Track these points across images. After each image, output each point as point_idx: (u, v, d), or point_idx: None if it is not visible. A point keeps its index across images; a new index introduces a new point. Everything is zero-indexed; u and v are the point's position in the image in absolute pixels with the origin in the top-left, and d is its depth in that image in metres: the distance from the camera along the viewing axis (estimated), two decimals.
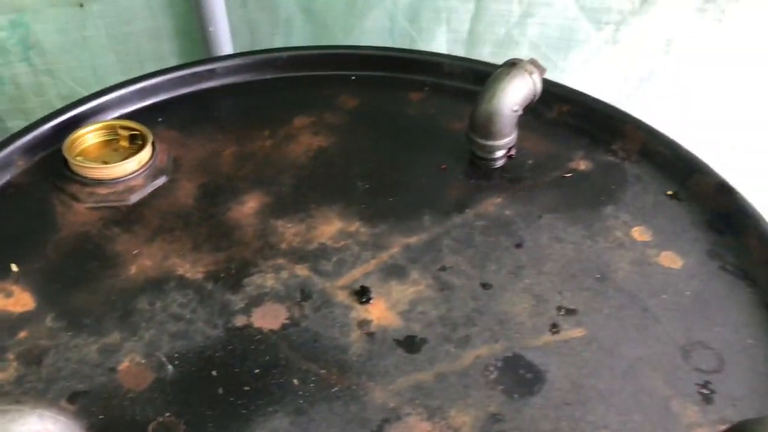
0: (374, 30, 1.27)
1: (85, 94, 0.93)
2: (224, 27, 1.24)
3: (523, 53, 1.26)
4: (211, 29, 1.21)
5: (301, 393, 0.62)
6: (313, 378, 0.63)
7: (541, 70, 0.82)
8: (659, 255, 0.75)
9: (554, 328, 0.67)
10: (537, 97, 0.82)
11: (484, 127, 0.82)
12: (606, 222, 0.78)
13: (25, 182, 0.82)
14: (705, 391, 0.62)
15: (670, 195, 0.82)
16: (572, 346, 0.66)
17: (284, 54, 0.98)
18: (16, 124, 1.35)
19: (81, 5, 1.19)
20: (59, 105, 1.30)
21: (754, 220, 0.74)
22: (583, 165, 0.86)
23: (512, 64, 0.81)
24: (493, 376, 0.63)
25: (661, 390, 0.62)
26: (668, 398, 0.61)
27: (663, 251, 0.75)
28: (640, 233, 0.77)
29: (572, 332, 0.67)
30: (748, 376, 0.63)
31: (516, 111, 0.81)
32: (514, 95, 0.80)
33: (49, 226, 0.77)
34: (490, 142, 0.82)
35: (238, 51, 1.23)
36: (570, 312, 0.69)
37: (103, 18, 1.22)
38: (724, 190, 0.78)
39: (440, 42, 1.26)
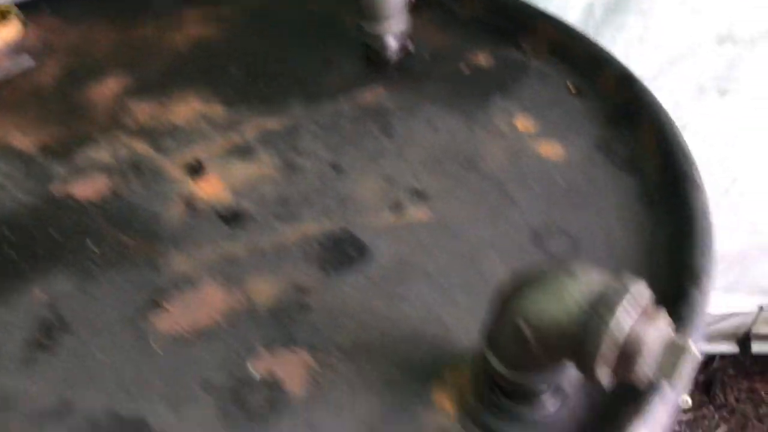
0: None
1: None
2: None
3: None
4: None
5: (97, 259, 0.56)
6: (116, 246, 0.57)
7: None
8: (540, 145, 0.66)
9: (398, 209, 0.60)
10: None
11: (368, 10, 0.74)
12: (490, 112, 0.70)
13: None
14: None
15: (573, 90, 0.73)
16: (412, 227, 0.58)
17: None
18: None
19: None
20: None
21: (649, 108, 0.65)
22: (483, 60, 0.78)
23: None
24: (312, 252, 0.56)
25: (498, 271, 0.54)
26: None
27: (545, 142, 0.67)
28: (525, 124, 0.69)
29: (416, 214, 0.60)
30: (600, 262, 0.55)
31: None
32: None
33: None
34: (375, 27, 0.75)
35: None
36: (420, 195, 0.61)
37: None
38: (626, 82, 0.69)
39: None
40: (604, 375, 0.37)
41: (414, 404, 0.45)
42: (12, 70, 0.76)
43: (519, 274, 0.40)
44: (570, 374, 0.43)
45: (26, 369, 0.48)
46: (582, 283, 0.38)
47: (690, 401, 1.61)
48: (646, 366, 0.36)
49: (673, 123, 0.63)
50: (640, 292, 0.37)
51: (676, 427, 1.68)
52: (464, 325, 0.50)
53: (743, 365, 1.77)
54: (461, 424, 0.44)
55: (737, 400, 1.77)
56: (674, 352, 0.36)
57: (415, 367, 0.48)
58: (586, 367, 0.37)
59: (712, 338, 1.76)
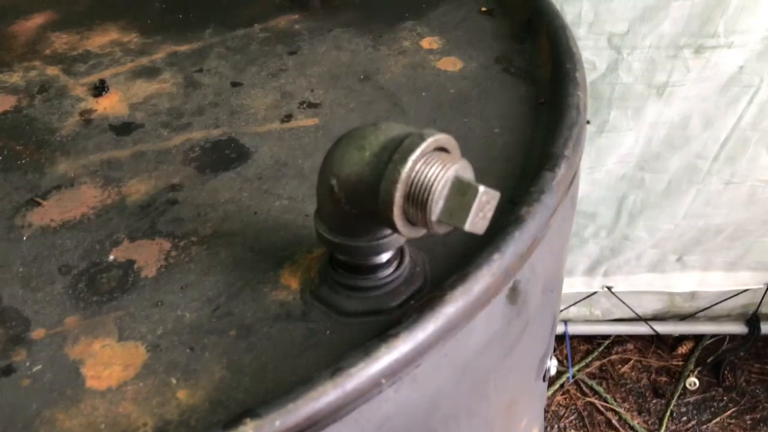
0: None
1: None
2: None
3: None
4: None
5: None
6: (5, 152, 0.59)
7: None
8: (439, 60, 0.67)
9: (287, 118, 0.61)
10: None
11: None
12: (398, 34, 0.71)
13: None
14: None
15: (484, 12, 0.73)
16: (297, 133, 0.59)
17: None
18: None
19: None
20: None
21: (548, 17, 0.65)
22: None
23: None
24: (193, 155, 0.57)
25: None
26: None
27: (445, 57, 0.67)
28: (429, 43, 0.69)
29: (304, 122, 0.60)
30: (475, 160, 0.54)
31: None
32: None
33: None
34: None
35: None
36: (312, 105, 0.62)
37: None
38: None
39: None
40: (400, 222, 0.37)
41: (260, 282, 0.46)
42: None
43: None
44: (399, 240, 0.43)
45: None
46: (381, 133, 0.38)
47: (697, 383, 1.58)
48: (435, 206, 0.36)
49: (568, 29, 0.63)
50: (435, 140, 0.37)
51: (683, 409, 1.66)
52: None
53: (754, 346, 1.74)
54: (302, 298, 0.45)
55: (747, 381, 1.74)
56: (461, 191, 0.36)
57: (269, 251, 0.48)
58: (387, 217, 0.37)
59: (719, 319, 1.72)
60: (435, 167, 0.36)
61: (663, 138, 1.34)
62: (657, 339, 1.78)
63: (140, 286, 0.46)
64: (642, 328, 1.72)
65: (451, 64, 0.66)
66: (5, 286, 0.47)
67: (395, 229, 0.37)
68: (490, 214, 0.36)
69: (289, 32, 0.72)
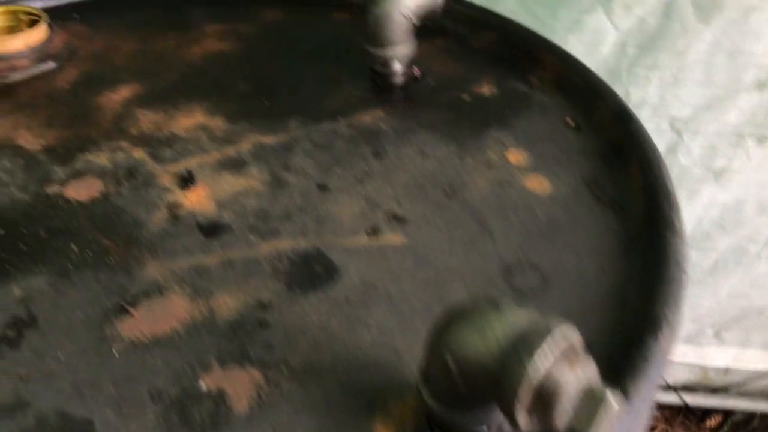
0: None
1: None
2: None
3: (508, 7, 1.18)
4: None
5: (74, 259, 0.58)
6: (94, 247, 0.59)
7: None
8: (527, 178, 0.66)
9: (374, 231, 0.60)
10: (439, 10, 0.75)
11: (373, 32, 0.76)
12: (483, 143, 0.70)
13: None
14: None
15: (570, 125, 0.73)
16: (384, 250, 0.59)
17: None
18: None
19: None
20: None
21: (640, 146, 0.64)
22: (487, 90, 0.78)
23: None
24: (282, 268, 0.57)
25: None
26: None
27: (533, 175, 0.66)
28: (516, 156, 0.69)
29: (391, 237, 0.60)
30: (568, 303, 0.54)
31: (407, 17, 0.74)
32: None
33: None
34: (379, 51, 0.76)
35: None
36: (398, 219, 0.62)
37: None
38: (622, 118, 0.69)
39: None
40: (522, 418, 0.36)
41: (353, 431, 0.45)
42: (33, 73, 0.79)
43: (452, 306, 0.40)
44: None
45: None
46: (505, 321, 0.37)
47: None
48: (563, 413, 0.35)
49: (663, 163, 0.62)
50: (564, 335, 0.36)
51: None
52: (418, 354, 0.49)
53: None
54: None
55: None
56: (592, 402, 0.35)
57: (361, 394, 0.48)
58: (506, 408, 0.37)
59: (752, 395, 1.69)
60: (565, 369, 0.35)
61: (715, 219, 1.33)
62: (686, 409, 1.76)
63: (232, 423, 0.46)
64: (671, 397, 1.70)
65: (538, 184, 0.65)
66: (98, 408, 0.47)
67: (512, 423, 0.37)
68: (610, 425, 0.36)
69: (374, 130, 0.72)
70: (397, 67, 0.78)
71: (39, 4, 0.90)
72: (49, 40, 0.82)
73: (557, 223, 0.61)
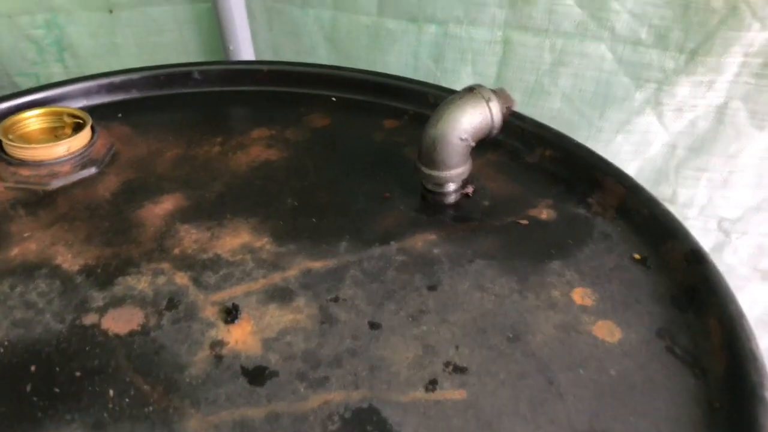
0: (397, 66, 1.21)
1: None
2: (247, 48, 1.22)
3: (555, 105, 1.16)
4: (231, 48, 1.20)
5: (111, 406, 0.54)
6: (132, 392, 0.55)
7: (505, 100, 0.72)
8: (595, 324, 0.62)
9: (432, 384, 0.56)
10: (496, 131, 0.72)
11: (428, 153, 0.73)
12: (546, 278, 0.66)
13: None
14: None
15: (637, 259, 0.68)
16: (444, 408, 0.54)
17: (265, 67, 0.94)
18: None
19: (110, 11, 1.21)
20: None
21: (719, 297, 0.60)
22: (545, 214, 0.74)
23: (470, 89, 0.72)
24: (333, 427, 0.53)
25: None
26: None
27: (601, 320, 0.62)
28: (582, 296, 0.64)
29: (451, 393, 0.55)
30: None
31: (465, 140, 0.71)
32: (463, 122, 0.71)
33: None
34: (434, 172, 0.73)
35: None
36: (458, 370, 0.57)
37: (131, 26, 1.24)
38: (695, 259, 0.64)
39: (465, 84, 1.18)
40: None
41: None
42: (73, 180, 0.77)
43: None
44: None
45: None
46: None
47: None
48: None
49: (744, 318, 0.58)
50: None
51: None
52: None
53: None
54: None
55: None
56: None
57: None
58: None
59: None
60: None
61: (758, 316, 1.30)
62: None
63: None
64: None
65: (608, 331, 0.61)
66: None
67: None
68: None
69: (428, 258, 0.68)
70: (452, 188, 0.75)
71: (83, 103, 0.88)
72: (91, 143, 0.79)
73: (630, 382, 0.56)
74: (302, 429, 0.52)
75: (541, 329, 0.61)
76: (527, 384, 0.56)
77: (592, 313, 0.63)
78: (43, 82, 1.30)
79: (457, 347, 0.59)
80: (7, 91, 1.33)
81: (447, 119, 0.70)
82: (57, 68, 1.30)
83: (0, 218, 0.72)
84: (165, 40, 1.25)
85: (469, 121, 0.71)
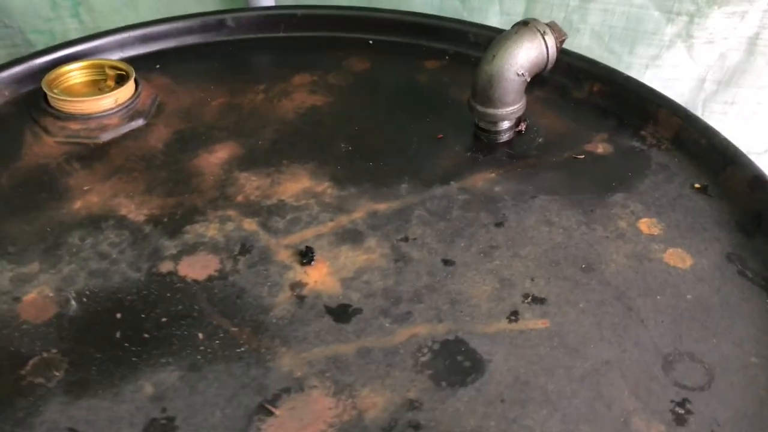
0: (422, 6, 1.19)
1: None
2: None
3: (584, 42, 1.14)
4: None
5: (202, 348, 0.54)
6: (221, 335, 0.56)
7: (558, 33, 0.71)
8: (665, 251, 0.62)
9: (513, 315, 0.57)
10: (550, 65, 0.72)
11: (484, 91, 0.72)
12: (611, 210, 0.67)
13: (6, 112, 0.80)
14: (680, 410, 0.50)
15: (698, 188, 0.69)
16: (529, 337, 0.55)
17: (299, 12, 0.92)
18: None
19: None
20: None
21: None
22: (601, 148, 0.75)
23: (524, 23, 0.71)
24: (424, 359, 0.54)
25: (625, 402, 0.50)
26: (631, 412, 0.50)
27: (671, 248, 0.63)
28: (648, 226, 0.65)
29: (533, 323, 0.56)
30: (739, 400, 0.50)
31: (521, 76, 0.71)
32: (520, 57, 0.70)
33: (14, 155, 0.74)
34: (490, 110, 0.73)
35: None
36: (537, 300, 0.58)
37: None
38: (759, 185, 0.65)
39: (492, 24, 1.17)
40: None
41: None
42: (123, 132, 0.76)
43: None
44: None
45: None
46: None
47: None
48: None
49: None
50: None
51: None
52: None
53: None
54: None
55: None
56: None
57: None
58: None
59: None
60: None
61: None
62: None
63: None
64: None
65: (679, 258, 0.62)
66: None
67: None
68: None
69: (490, 196, 0.69)
70: (506, 126, 0.75)
71: (119, 55, 0.87)
72: (136, 95, 0.79)
73: (707, 305, 0.58)
74: (394, 362, 0.53)
75: (612, 259, 0.62)
76: (607, 311, 0.57)
77: (660, 241, 0.64)
78: (59, 38, 1.28)
79: (532, 279, 0.60)
80: (22, 49, 1.31)
81: (503, 55, 0.70)
82: (72, 24, 1.27)
83: (57, 173, 0.71)
84: None
85: (526, 55, 0.70)
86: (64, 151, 0.74)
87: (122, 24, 1.21)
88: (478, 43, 0.89)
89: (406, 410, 0.50)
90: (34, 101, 0.79)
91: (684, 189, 0.69)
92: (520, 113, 0.74)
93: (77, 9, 1.24)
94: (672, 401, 0.50)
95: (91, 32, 1.22)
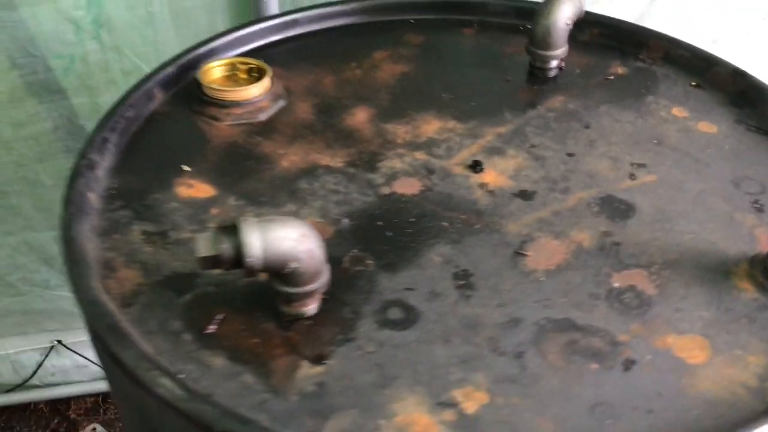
0: None
1: (147, 69, 1.02)
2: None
3: None
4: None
5: (452, 231, 0.78)
6: (457, 221, 0.79)
7: None
8: (697, 125, 0.94)
9: (632, 176, 0.86)
10: (582, 15, 1.01)
11: (543, 39, 1.00)
12: (650, 107, 0.98)
13: (166, 111, 0.96)
14: (756, 205, 0.81)
15: (695, 85, 1.02)
16: (649, 186, 0.84)
17: (354, 4, 1.15)
18: (81, 101, 1.47)
19: None
20: (123, 81, 1.45)
21: (763, 91, 0.95)
22: (621, 70, 1.06)
23: None
24: (595, 210, 0.81)
25: (724, 208, 0.81)
26: (731, 212, 0.81)
27: (699, 122, 0.95)
28: (679, 111, 0.97)
29: (646, 178, 0.86)
30: None
31: (568, 25, 0.99)
32: (567, 11, 0.99)
33: (201, 140, 0.91)
34: (548, 53, 1.01)
35: None
36: (641, 166, 0.87)
37: None
38: (738, 75, 0.99)
39: None
40: None
41: (728, 288, 0.71)
42: (273, 112, 0.96)
43: None
44: None
45: (466, 301, 0.70)
46: None
47: None
48: None
49: None
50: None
51: None
52: (725, 244, 0.76)
53: None
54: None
55: None
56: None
57: (718, 270, 0.73)
58: None
59: None
60: None
61: None
62: None
63: (655, 301, 0.70)
64: None
65: (707, 127, 0.94)
66: (567, 312, 0.69)
67: None
68: None
69: (569, 111, 0.97)
70: (554, 64, 1.04)
71: (233, 53, 1.05)
72: (273, 83, 0.98)
73: (738, 150, 0.90)
74: (579, 215, 0.80)
75: (669, 135, 0.93)
76: (684, 164, 0.88)
77: (690, 120, 0.95)
78: (78, 61, 1.40)
79: (630, 155, 0.90)
80: (41, 76, 1.41)
81: (556, 10, 0.98)
82: (92, 45, 1.38)
83: (248, 146, 0.90)
84: (194, 4, 1.39)
85: (570, 8, 0.99)
86: (240, 131, 0.93)
87: (139, 40, 1.37)
88: (496, 12, 1.17)
89: (605, 237, 0.77)
90: (187, 98, 0.97)
91: (686, 87, 1.01)
92: (565, 54, 1.03)
93: (99, 31, 1.37)
94: (749, 202, 0.82)
95: (110, 51, 1.37)
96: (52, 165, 1.51)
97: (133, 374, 0.59)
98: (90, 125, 0.91)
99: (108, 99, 1.31)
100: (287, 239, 0.62)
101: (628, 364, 0.64)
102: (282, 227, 0.62)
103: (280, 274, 0.64)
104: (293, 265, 0.62)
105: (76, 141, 1.48)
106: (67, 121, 1.46)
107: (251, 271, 0.62)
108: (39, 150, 1.48)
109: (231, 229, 0.62)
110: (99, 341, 0.64)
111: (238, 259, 0.62)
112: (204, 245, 0.62)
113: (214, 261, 0.62)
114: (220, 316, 0.67)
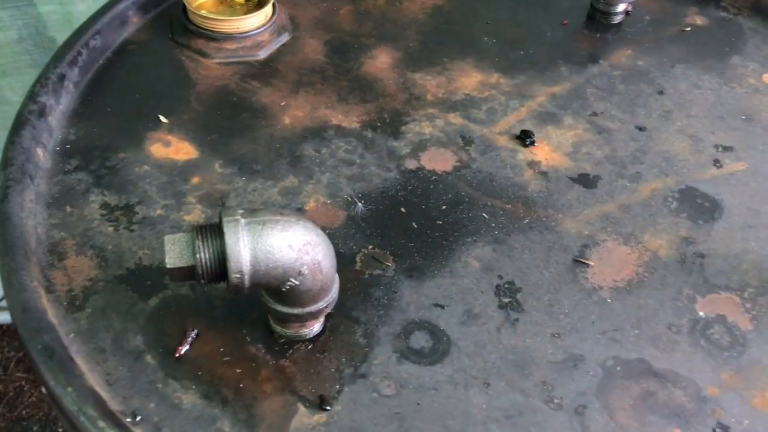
0: None
1: None
2: None
3: None
4: None
5: (494, 225, 0.62)
6: (501, 212, 0.63)
7: None
8: None
9: (717, 163, 0.69)
10: None
11: None
12: (736, 70, 0.80)
13: (142, 40, 0.78)
14: None
15: None
16: (738, 177, 0.68)
17: None
18: (50, 9, 1.27)
19: None
20: None
21: None
22: (699, 20, 0.87)
23: None
24: (673, 206, 0.64)
25: None
26: None
27: None
28: None
29: (734, 166, 0.69)
30: None
31: None
32: None
33: (184, 81, 0.74)
34: None
35: None
36: (727, 149, 0.70)
37: None
38: None
39: None
40: None
41: None
42: (275, 47, 0.78)
43: None
44: None
45: (512, 327, 0.55)
46: None
47: None
48: None
49: None
50: None
51: None
52: None
53: None
54: None
55: None
56: None
57: None
58: None
59: None
60: None
61: None
62: None
63: (750, 339, 0.55)
64: None
65: None
66: (640, 349, 0.53)
67: None
68: None
69: (638, 70, 0.79)
70: (620, 8, 0.85)
71: None
72: (277, 12, 0.80)
73: None
74: (653, 212, 0.64)
75: (761, 108, 0.75)
76: None
77: None
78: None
79: (713, 133, 0.72)
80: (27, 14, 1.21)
81: None
82: None
83: (242, 92, 0.73)
84: None
85: None
86: (232, 72, 0.75)
87: None
88: None
89: (687, 245, 0.61)
90: (169, 24, 0.78)
91: None
92: None
93: None
94: None
95: None
96: (18, 80, 1.33)
97: (73, 422, 0.44)
98: (62, 38, 0.74)
99: (83, 9, 1.13)
100: (287, 248, 0.46)
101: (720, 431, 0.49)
102: (281, 230, 0.46)
103: (276, 291, 0.48)
104: (293, 282, 0.46)
105: (45, 55, 1.29)
106: (34, 32, 1.26)
107: (237, 290, 0.46)
108: (2, 62, 1.29)
109: (211, 231, 0.46)
110: (34, 365, 0.49)
111: (219, 273, 0.46)
112: (175, 252, 0.46)
113: (187, 273, 0.46)
114: (193, 333, 0.52)
